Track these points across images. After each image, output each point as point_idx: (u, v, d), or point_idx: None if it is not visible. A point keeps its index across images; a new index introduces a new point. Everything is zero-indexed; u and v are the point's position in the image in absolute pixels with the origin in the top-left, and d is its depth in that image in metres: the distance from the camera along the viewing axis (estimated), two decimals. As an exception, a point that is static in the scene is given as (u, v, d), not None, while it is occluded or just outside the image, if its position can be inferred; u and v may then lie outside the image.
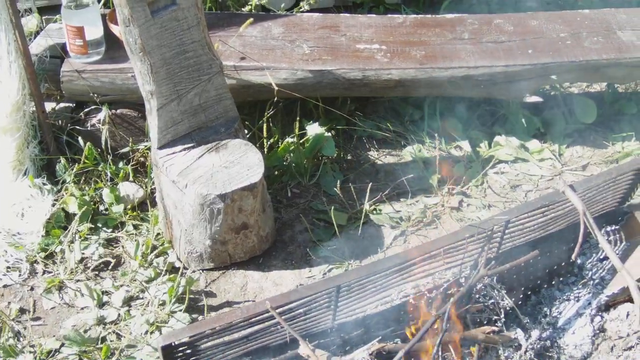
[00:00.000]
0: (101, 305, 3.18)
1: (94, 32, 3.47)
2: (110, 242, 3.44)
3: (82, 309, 3.18)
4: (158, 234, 3.43)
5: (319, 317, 2.60)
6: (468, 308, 2.74)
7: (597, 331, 2.91)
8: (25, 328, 3.11)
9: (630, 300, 2.86)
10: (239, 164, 3.14)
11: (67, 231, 3.40)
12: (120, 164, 3.64)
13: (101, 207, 3.54)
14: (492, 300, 2.81)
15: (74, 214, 3.44)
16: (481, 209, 3.65)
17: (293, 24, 3.86)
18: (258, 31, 3.78)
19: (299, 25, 3.86)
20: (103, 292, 3.22)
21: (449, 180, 3.71)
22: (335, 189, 3.60)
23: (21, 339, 3.07)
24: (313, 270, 3.36)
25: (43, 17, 3.86)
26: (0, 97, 3.40)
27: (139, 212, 3.54)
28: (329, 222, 3.51)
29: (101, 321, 3.11)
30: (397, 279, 2.63)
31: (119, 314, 3.14)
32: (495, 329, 2.76)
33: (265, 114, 3.70)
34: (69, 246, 3.36)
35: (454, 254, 2.69)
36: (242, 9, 4.11)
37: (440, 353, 2.50)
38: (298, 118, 3.76)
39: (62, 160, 3.55)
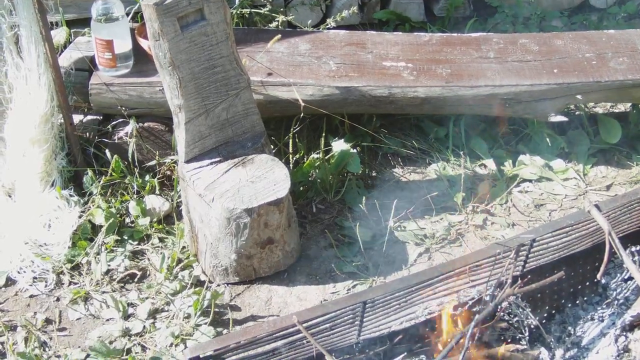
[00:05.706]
0: (126, 317, 3.20)
1: (123, 45, 3.50)
2: (136, 255, 3.46)
3: (107, 320, 3.20)
4: (184, 247, 3.45)
5: (344, 332, 2.60)
6: (493, 325, 2.74)
7: (622, 351, 2.90)
8: (51, 338, 3.14)
9: (655, 321, 2.87)
10: (266, 179, 3.16)
11: (93, 243, 3.43)
12: (147, 177, 3.66)
13: (127, 220, 3.57)
14: (517, 319, 2.81)
15: (101, 226, 3.47)
16: (505, 228, 3.65)
17: (320, 41, 3.88)
18: (285, 47, 3.80)
19: (326, 42, 3.88)
20: (128, 304, 3.24)
21: (473, 199, 3.72)
22: (360, 205, 3.60)
23: (47, 349, 3.10)
24: (337, 286, 3.36)
25: (72, 30, 3.90)
26: (29, 109, 3.43)
27: (164, 225, 3.56)
28: (354, 238, 3.51)
29: (126, 333, 3.13)
30: (422, 296, 2.64)
31: (144, 326, 3.16)
32: (520, 347, 2.76)
33: (291, 129, 3.72)
34: (95, 258, 3.38)
35: (479, 272, 2.69)
36: (269, 25, 4.13)
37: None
38: (324, 134, 3.77)
39: (89, 172, 3.57)
